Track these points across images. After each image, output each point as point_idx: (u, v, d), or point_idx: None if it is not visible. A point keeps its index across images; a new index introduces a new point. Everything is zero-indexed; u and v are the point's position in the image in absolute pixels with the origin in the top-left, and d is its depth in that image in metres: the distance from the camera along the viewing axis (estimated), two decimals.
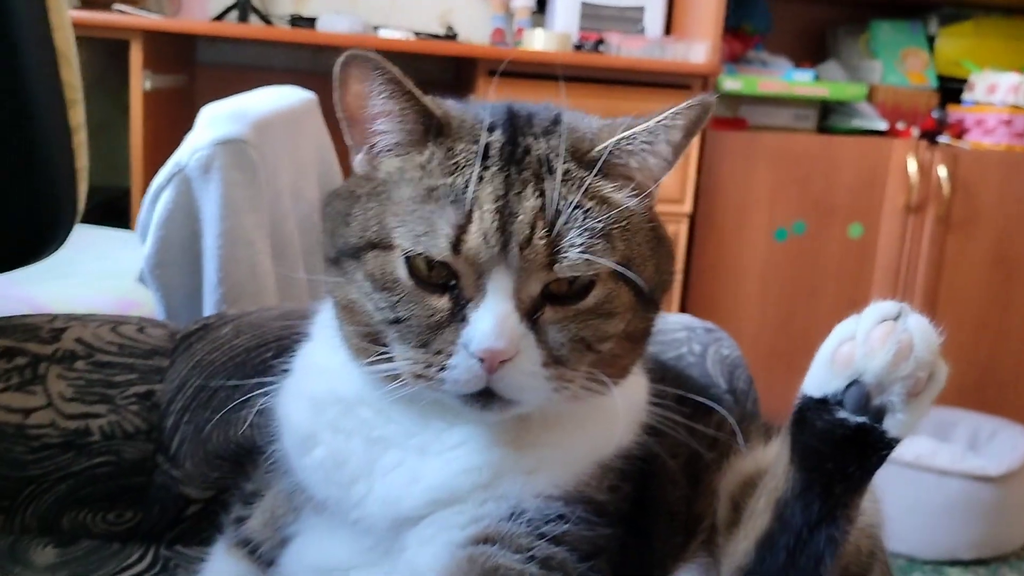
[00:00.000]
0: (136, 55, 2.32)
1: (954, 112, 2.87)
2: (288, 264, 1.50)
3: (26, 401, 0.92)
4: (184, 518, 0.94)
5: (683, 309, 2.67)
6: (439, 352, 0.61)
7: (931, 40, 3.02)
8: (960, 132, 2.82)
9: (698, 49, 2.53)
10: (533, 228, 0.60)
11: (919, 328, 0.57)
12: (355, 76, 0.65)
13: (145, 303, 1.48)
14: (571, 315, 0.63)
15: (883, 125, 2.80)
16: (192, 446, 0.93)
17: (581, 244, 0.61)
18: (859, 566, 0.67)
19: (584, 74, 2.49)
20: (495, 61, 2.46)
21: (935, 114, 2.82)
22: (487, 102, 0.73)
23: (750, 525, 0.64)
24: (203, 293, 1.33)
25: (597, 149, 0.65)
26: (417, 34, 2.71)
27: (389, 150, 0.67)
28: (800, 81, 2.75)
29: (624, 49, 2.56)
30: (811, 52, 3.08)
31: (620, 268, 0.63)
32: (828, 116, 2.89)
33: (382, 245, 0.63)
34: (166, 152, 1.35)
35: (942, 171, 2.63)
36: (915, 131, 2.79)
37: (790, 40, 3.09)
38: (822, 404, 0.59)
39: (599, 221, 0.62)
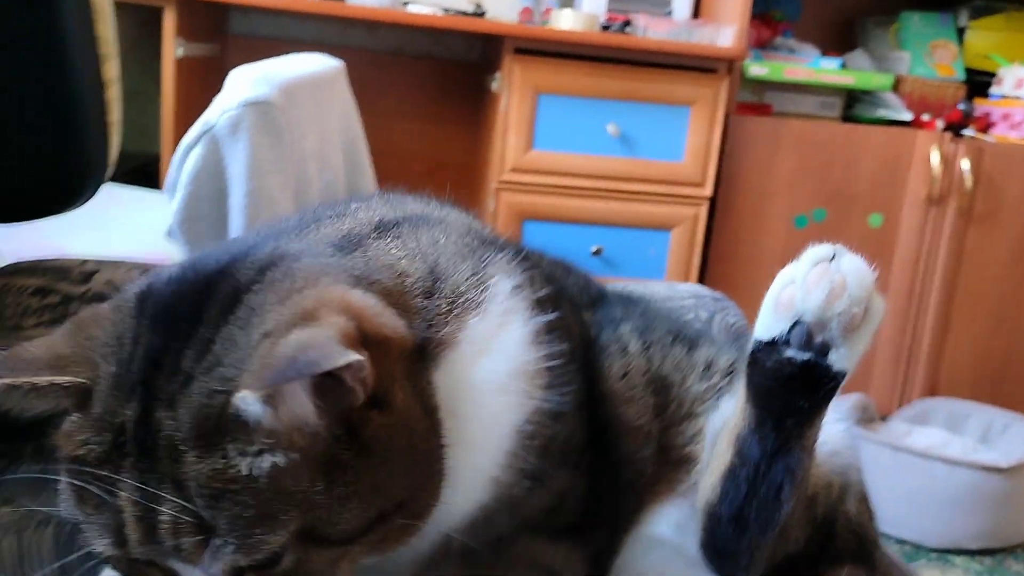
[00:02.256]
0: (169, 22, 2.36)
1: (981, 106, 2.86)
2: None
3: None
4: None
5: None
6: None
7: (961, 32, 3.01)
8: (986, 126, 2.81)
9: (725, 33, 2.54)
10: (177, 533, 0.50)
11: (852, 267, 0.59)
12: None
13: (173, 258, 1.53)
14: None
15: (908, 116, 2.80)
16: None
17: (235, 540, 0.49)
18: (829, 501, 0.70)
19: (610, 55, 2.50)
20: (522, 39, 2.48)
21: (961, 107, 2.81)
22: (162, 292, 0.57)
23: (716, 463, 0.67)
24: None
25: (233, 408, 0.49)
26: (446, 10, 2.73)
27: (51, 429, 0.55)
28: (827, 69, 2.75)
29: (651, 31, 2.57)
30: (839, 42, 3.08)
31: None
32: (853, 105, 2.89)
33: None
34: (196, 119, 1.39)
35: (965, 164, 2.62)
36: (940, 123, 2.78)
37: (819, 29, 3.09)
38: (771, 345, 0.62)
39: (252, 505, 0.49)
